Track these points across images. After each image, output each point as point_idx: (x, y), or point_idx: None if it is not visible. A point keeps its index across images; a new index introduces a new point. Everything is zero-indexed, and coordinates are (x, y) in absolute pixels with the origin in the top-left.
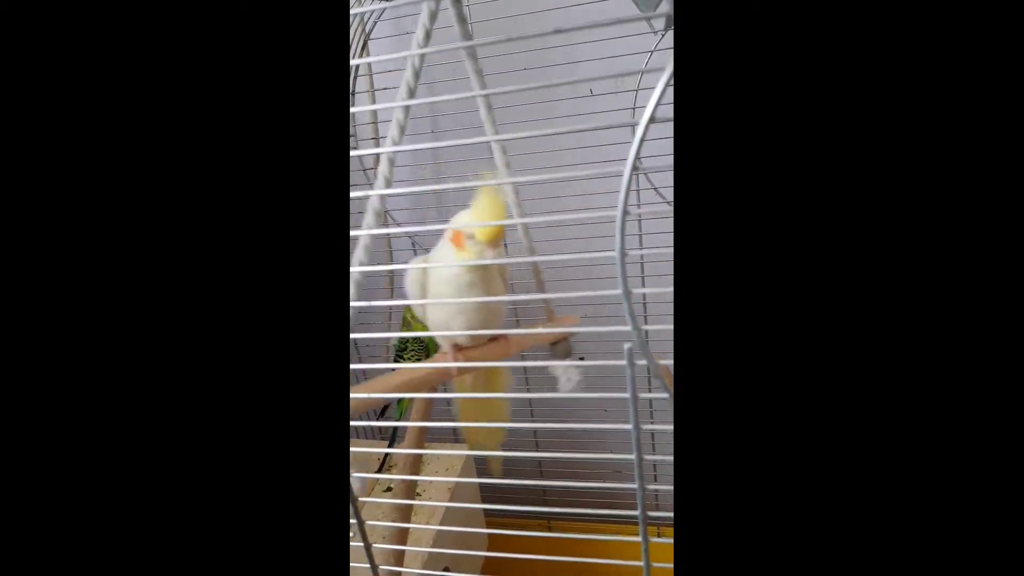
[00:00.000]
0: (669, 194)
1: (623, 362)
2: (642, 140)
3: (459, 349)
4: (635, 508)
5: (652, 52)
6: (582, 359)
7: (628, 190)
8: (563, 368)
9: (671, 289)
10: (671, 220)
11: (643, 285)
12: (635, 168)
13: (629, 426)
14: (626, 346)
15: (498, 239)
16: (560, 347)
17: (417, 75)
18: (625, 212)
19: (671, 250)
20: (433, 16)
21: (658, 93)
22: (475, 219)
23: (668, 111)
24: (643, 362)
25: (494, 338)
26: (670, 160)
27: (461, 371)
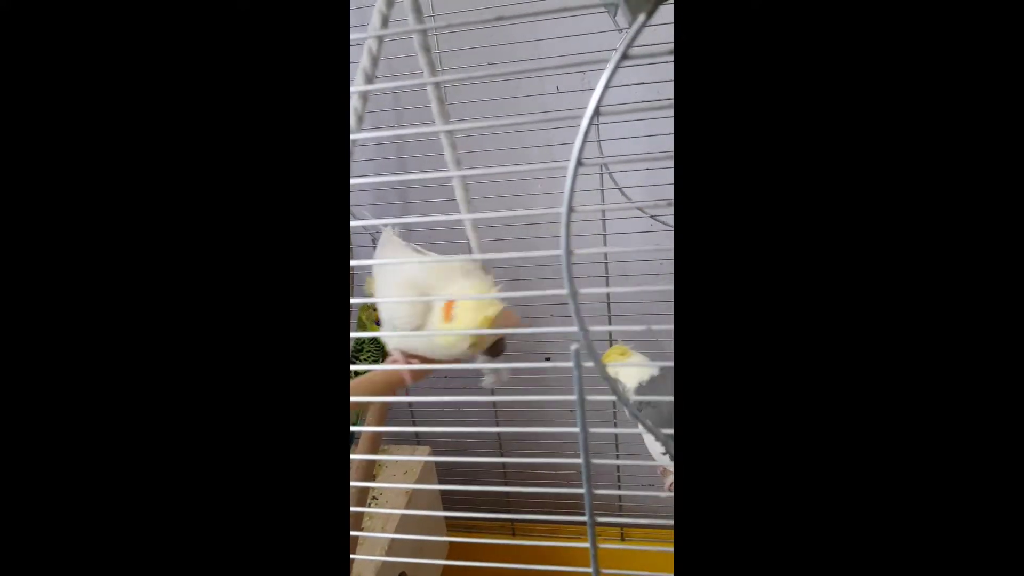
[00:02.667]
0: (632, 194)
1: (570, 363)
2: (586, 134)
3: (407, 356)
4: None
5: (619, 49)
6: (548, 359)
7: (573, 186)
8: (492, 368)
9: (635, 289)
10: (635, 220)
11: (607, 284)
12: (580, 163)
13: (576, 429)
14: (573, 347)
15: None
16: (497, 347)
17: (375, 61)
18: (571, 209)
19: (633, 250)
20: (389, 2)
21: (601, 87)
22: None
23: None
24: (590, 364)
25: None
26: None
27: (415, 376)
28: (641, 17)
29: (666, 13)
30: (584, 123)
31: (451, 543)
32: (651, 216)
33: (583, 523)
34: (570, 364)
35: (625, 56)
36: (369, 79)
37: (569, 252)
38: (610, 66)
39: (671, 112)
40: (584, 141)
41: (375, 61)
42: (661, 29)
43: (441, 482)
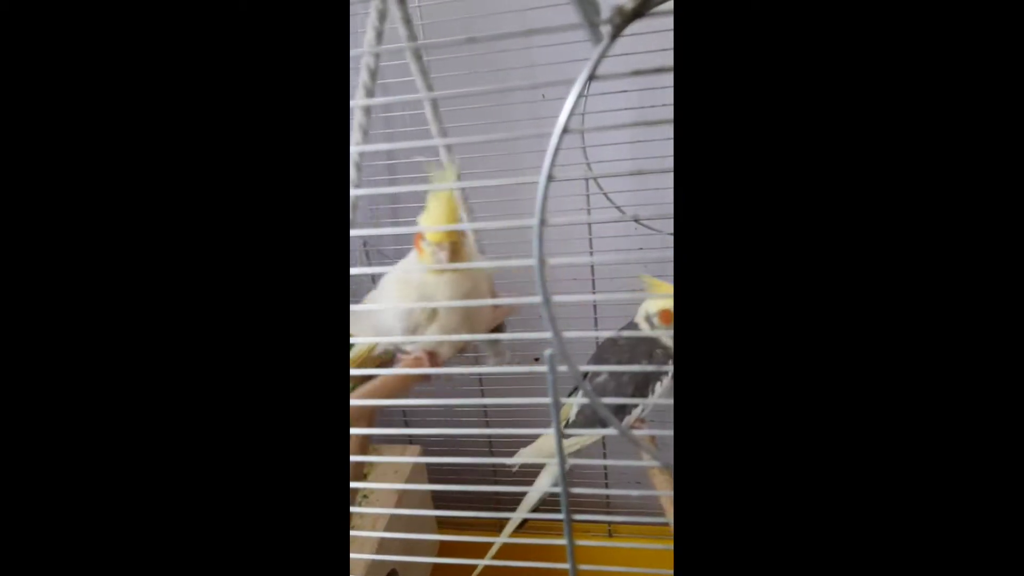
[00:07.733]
0: (618, 199)
1: (544, 368)
2: (557, 148)
3: (431, 354)
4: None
5: (602, 56)
6: (537, 359)
7: (545, 198)
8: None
9: (609, 295)
10: (621, 227)
11: (593, 288)
12: (551, 177)
13: (551, 431)
14: (547, 352)
15: (451, 240)
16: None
17: (373, 76)
18: (542, 221)
19: (615, 255)
20: (383, 15)
21: (570, 103)
22: (426, 222)
23: (596, 119)
24: (564, 368)
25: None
26: (620, 167)
27: (433, 363)
28: (606, 40)
29: (637, 27)
30: (553, 141)
31: (441, 541)
32: (635, 220)
33: (561, 520)
34: (544, 369)
35: (593, 77)
36: (370, 93)
37: (542, 261)
38: (575, 88)
39: (644, 128)
40: (555, 156)
41: (373, 75)
42: (638, 40)
43: (432, 481)
